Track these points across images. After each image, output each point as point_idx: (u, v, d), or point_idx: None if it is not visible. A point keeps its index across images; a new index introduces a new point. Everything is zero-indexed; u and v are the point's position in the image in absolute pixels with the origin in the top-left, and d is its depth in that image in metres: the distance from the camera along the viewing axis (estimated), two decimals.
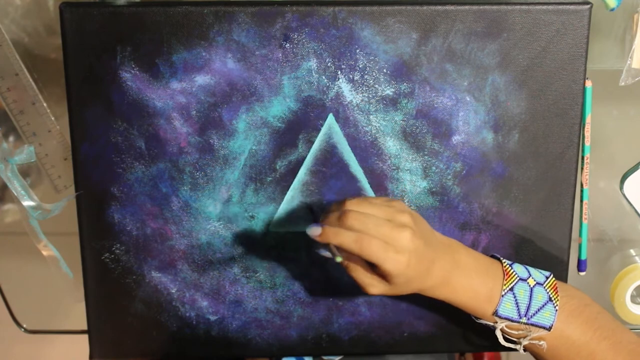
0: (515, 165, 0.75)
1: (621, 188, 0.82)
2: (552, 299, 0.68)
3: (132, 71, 0.72)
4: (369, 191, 0.75)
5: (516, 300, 0.67)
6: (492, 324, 0.68)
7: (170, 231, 0.76)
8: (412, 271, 0.64)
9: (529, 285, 0.68)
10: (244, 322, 0.79)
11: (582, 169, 0.78)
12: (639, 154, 0.82)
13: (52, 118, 0.79)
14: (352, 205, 0.64)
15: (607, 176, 0.84)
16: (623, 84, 0.77)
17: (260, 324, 0.79)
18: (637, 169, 0.82)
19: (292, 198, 0.75)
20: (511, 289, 0.67)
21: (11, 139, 0.81)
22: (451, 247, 0.68)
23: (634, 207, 0.83)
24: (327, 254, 0.66)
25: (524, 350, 0.70)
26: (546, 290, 0.68)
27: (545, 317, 0.68)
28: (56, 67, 0.78)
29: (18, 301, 0.88)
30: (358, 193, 0.75)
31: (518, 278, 0.68)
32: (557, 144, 0.74)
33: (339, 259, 0.62)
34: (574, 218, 0.77)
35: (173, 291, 0.78)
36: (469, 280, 0.67)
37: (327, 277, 0.78)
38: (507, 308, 0.67)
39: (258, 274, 0.78)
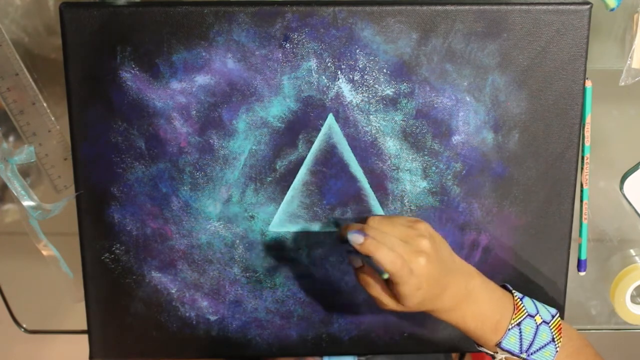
0: (515, 165, 0.75)
1: (621, 188, 0.82)
2: (555, 339, 0.68)
3: (132, 71, 0.72)
4: (369, 191, 0.75)
5: (521, 335, 0.67)
6: (492, 353, 0.69)
7: (170, 231, 0.76)
8: (423, 295, 0.64)
9: (536, 323, 0.68)
10: (244, 322, 0.79)
11: (582, 169, 0.78)
12: (639, 154, 0.82)
13: (52, 118, 0.79)
14: (374, 223, 0.65)
15: (607, 176, 0.84)
16: (623, 84, 0.77)
17: (260, 324, 0.79)
18: (637, 169, 0.82)
19: (292, 198, 0.75)
20: (518, 324, 0.67)
21: (11, 139, 0.81)
22: (467, 274, 0.68)
23: (634, 207, 0.83)
24: (356, 261, 0.67)
25: None
26: (551, 330, 0.68)
27: (544, 356, 0.68)
28: (56, 67, 0.78)
29: (18, 301, 0.88)
30: (358, 193, 0.75)
31: (527, 314, 0.68)
32: (557, 144, 0.74)
33: (385, 276, 0.63)
34: (574, 218, 0.77)
35: (173, 291, 0.78)
36: (479, 309, 0.67)
37: (327, 277, 0.78)
38: (511, 342, 0.67)
39: (258, 274, 0.78)
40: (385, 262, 0.62)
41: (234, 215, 0.76)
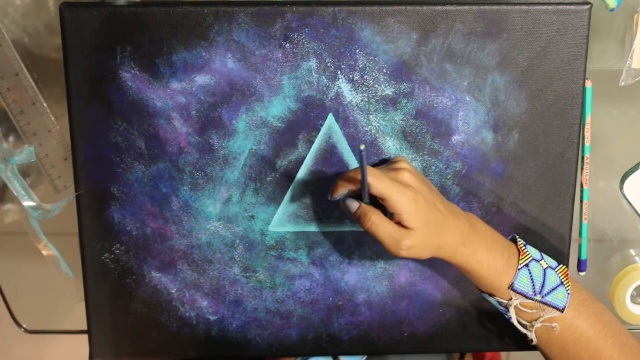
0: (515, 165, 0.75)
1: (621, 188, 0.82)
2: (564, 283, 0.68)
3: (132, 71, 0.72)
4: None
5: (531, 276, 0.68)
6: (506, 300, 0.68)
7: (170, 231, 0.76)
8: (424, 211, 0.65)
9: (542, 267, 0.68)
10: (243, 322, 0.79)
11: (582, 169, 0.78)
12: (639, 154, 0.82)
13: (52, 118, 0.79)
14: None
15: (607, 176, 0.84)
16: (623, 84, 0.77)
17: (260, 324, 0.79)
18: (637, 169, 0.82)
19: (292, 198, 0.75)
20: (526, 265, 0.68)
21: (11, 139, 0.81)
22: (467, 213, 0.69)
23: (634, 207, 0.83)
24: (352, 205, 0.68)
25: (535, 339, 0.70)
26: (557, 274, 0.69)
27: (558, 297, 0.68)
28: (56, 67, 0.78)
29: (18, 301, 0.88)
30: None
31: (531, 258, 0.69)
32: (557, 144, 0.74)
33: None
34: (574, 218, 0.77)
35: (173, 291, 0.78)
36: (488, 246, 0.68)
37: (327, 277, 0.78)
38: (523, 282, 0.67)
39: (258, 274, 0.78)
40: (373, 183, 0.64)
41: (234, 215, 0.76)
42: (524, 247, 0.69)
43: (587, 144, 0.77)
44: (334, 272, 0.77)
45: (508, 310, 0.69)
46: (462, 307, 0.78)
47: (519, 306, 0.68)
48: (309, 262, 0.77)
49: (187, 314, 0.78)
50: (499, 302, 0.69)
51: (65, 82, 0.72)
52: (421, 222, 0.65)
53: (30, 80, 0.78)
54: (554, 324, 0.68)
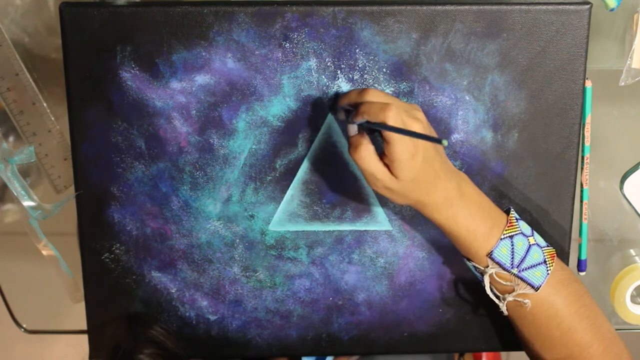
0: (514, 165, 0.75)
1: (621, 188, 0.82)
2: (547, 262, 0.68)
3: (132, 71, 0.72)
4: (368, 190, 0.75)
5: (513, 248, 0.67)
6: (482, 267, 0.68)
7: (170, 231, 0.76)
8: (417, 170, 0.64)
9: (529, 242, 0.68)
10: (243, 321, 0.79)
11: (582, 169, 0.78)
12: (639, 154, 0.82)
13: (52, 118, 0.80)
14: (373, 89, 0.66)
15: (607, 176, 0.84)
16: (623, 84, 0.77)
17: (260, 323, 0.79)
18: (637, 169, 0.82)
19: (291, 197, 0.75)
20: (510, 237, 0.67)
21: (11, 139, 0.81)
22: (459, 176, 0.68)
23: (634, 207, 0.83)
24: (351, 129, 0.67)
25: (506, 310, 0.70)
26: (543, 252, 0.68)
27: (535, 276, 0.67)
28: (56, 67, 0.78)
29: (18, 301, 0.88)
30: (357, 192, 0.75)
31: (519, 231, 0.68)
32: (557, 144, 0.74)
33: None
34: (574, 218, 0.77)
35: (173, 291, 0.78)
36: (471, 212, 0.67)
37: (327, 277, 0.78)
38: (502, 253, 0.67)
39: (258, 274, 0.78)
40: (386, 113, 0.62)
41: (234, 215, 0.76)
42: (514, 220, 0.68)
43: (587, 144, 0.77)
44: (333, 271, 0.77)
45: (483, 278, 0.69)
46: (462, 307, 0.78)
47: (495, 276, 0.68)
48: (309, 262, 0.77)
49: (187, 314, 0.78)
50: (476, 268, 0.69)
51: (65, 82, 0.72)
52: (409, 176, 0.64)
53: (30, 80, 0.78)
54: (525, 301, 0.68)
